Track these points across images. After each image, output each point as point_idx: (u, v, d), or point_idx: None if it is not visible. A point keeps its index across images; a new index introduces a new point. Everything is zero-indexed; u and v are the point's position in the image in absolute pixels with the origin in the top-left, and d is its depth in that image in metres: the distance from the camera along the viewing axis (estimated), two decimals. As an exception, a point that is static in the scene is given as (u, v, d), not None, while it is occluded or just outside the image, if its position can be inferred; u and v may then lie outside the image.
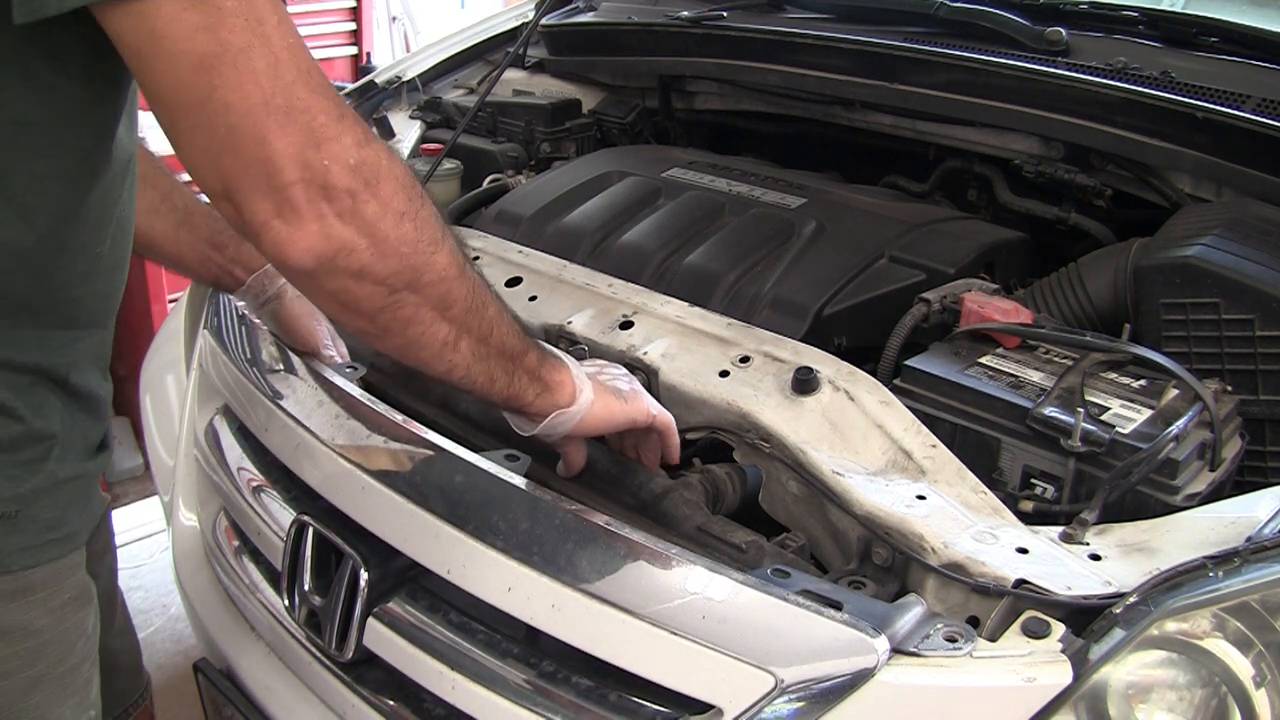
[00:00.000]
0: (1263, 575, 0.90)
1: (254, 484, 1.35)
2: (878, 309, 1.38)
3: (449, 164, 1.88)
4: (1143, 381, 1.21)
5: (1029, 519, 1.05)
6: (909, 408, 1.18)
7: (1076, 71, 1.56)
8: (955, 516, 1.03)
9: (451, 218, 1.76)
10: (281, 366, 1.36)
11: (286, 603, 1.21)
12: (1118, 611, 0.88)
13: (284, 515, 1.26)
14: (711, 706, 0.92)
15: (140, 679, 1.43)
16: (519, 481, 1.08)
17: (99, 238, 0.96)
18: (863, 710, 0.87)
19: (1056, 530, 1.01)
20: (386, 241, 0.79)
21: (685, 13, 1.99)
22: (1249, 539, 0.94)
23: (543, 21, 2.16)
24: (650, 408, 1.14)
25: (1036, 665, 0.86)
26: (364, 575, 1.13)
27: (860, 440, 1.14)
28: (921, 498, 1.05)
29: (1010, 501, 1.09)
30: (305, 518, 1.20)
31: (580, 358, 1.32)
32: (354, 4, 4.26)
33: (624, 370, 1.18)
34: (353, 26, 4.30)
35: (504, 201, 1.71)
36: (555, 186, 1.70)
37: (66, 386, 0.98)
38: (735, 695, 0.91)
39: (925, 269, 1.43)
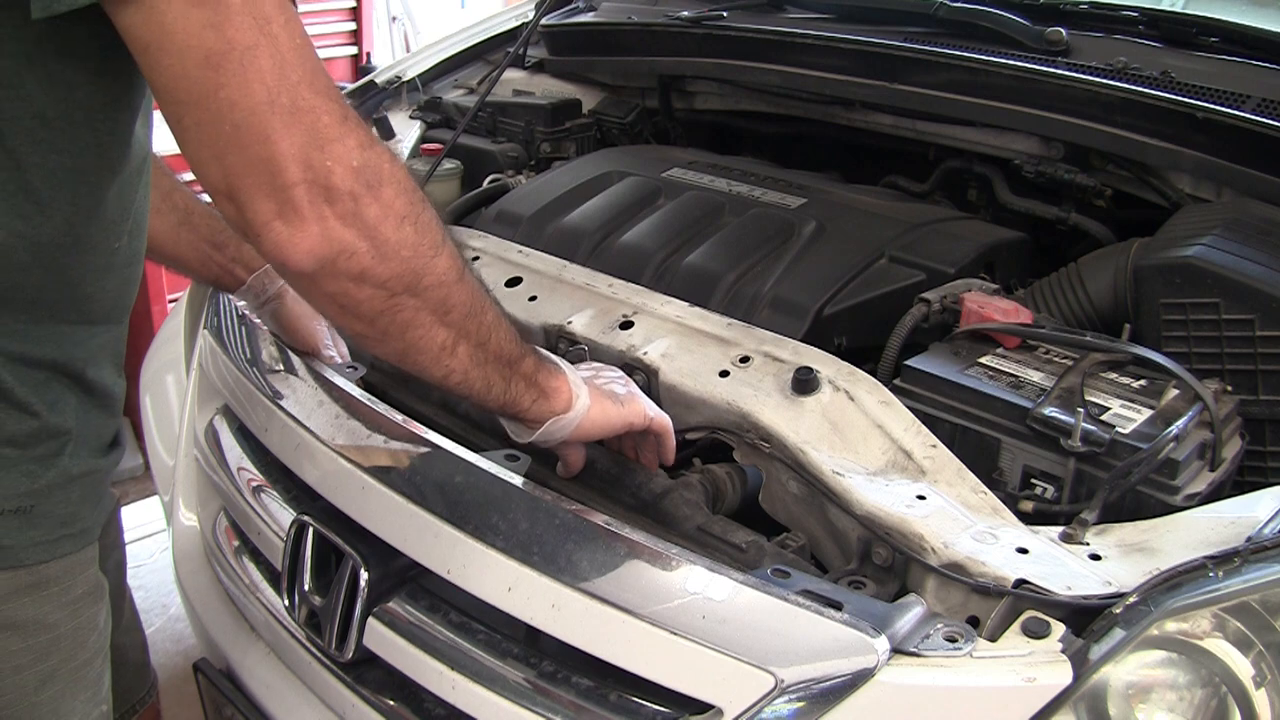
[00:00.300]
0: (1263, 575, 0.90)
1: (254, 484, 1.35)
2: (878, 309, 1.38)
3: (449, 164, 1.88)
4: (1143, 381, 1.21)
5: (1029, 519, 1.05)
6: (909, 408, 1.18)
7: (1076, 71, 1.56)
8: (955, 516, 1.03)
9: (451, 218, 1.76)
10: (281, 366, 1.36)
11: (286, 603, 1.21)
12: (1118, 611, 0.88)
13: (284, 515, 1.27)
14: (711, 706, 0.92)
15: (147, 676, 1.43)
16: (519, 481, 1.08)
17: (116, 234, 0.96)
18: (863, 710, 0.87)
19: (1056, 530, 1.01)
20: (388, 245, 0.79)
21: (685, 13, 1.99)
22: (1249, 539, 0.94)
23: (543, 21, 2.16)
24: (647, 409, 1.14)
25: (1036, 665, 0.86)
26: (364, 575, 1.13)
27: (860, 440, 1.14)
28: (921, 498, 1.05)
29: (1010, 501, 1.09)
30: (305, 518, 1.20)
31: (579, 358, 1.32)
32: (354, 4, 4.27)
33: (620, 373, 1.18)
34: (353, 26, 4.30)
35: (504, 201, 1.71)
36: (555, 186, 1.70)
37: (83, 382, 0.99)
38: (735, 695, 0.91)
39: (925, 269, 1.43)
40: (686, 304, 1.38)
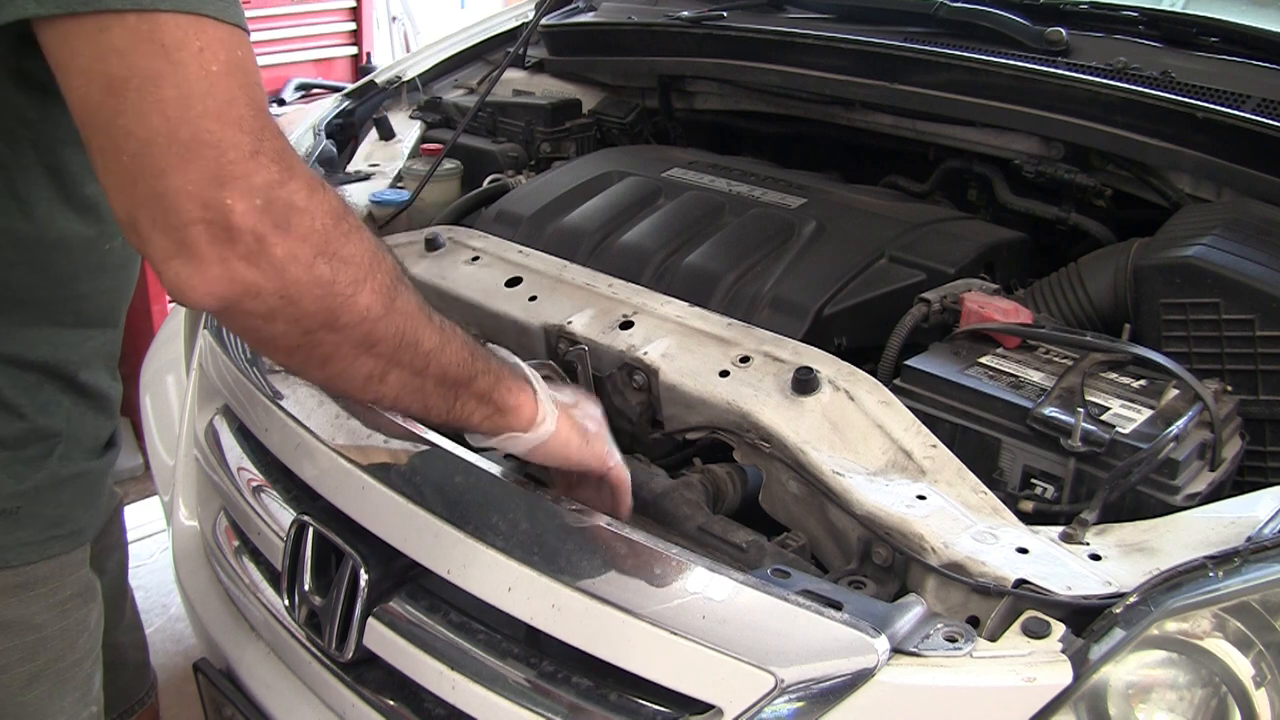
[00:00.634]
0: (1263, 575, 0.90)
1: (254, 484, 1.35)
2: (878, 309, 1.38)
3: (449, 164, 1.88)
4: (1143, 381, 1.21)
5: (1029, 519, 1.05)
6: (909, 408, 1.18)
7: (1076, 71, 1.56)
8: (955, 516, 1.03)
9: (451, 218, 1.76)
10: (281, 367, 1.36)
11: (286, 603, 1.21)
12: (1118, 611, 0.88)
13: (284, 515, 1.27)
14: (711, 706, 0.92)
15: (147, 676, 1.44)
16: (518, 481, 1.08)
17: (107, 233, 0.96)
18: (863, 710, 0.87)
19: (1056, 530, 1.01)
20: (297, 285, 0.74)
21: (685, 13, 1.99)
22: (1249, 539, 0.94)
23: (543, 21, 2.16)
24: (609, 457, 1.08)
25: (1036, 665, 0.86)
26: (364, 575, 1.13)
27: (860, 440, 1.14)
28: (921, 498, 1.05)
29: (1010, 501, 1.09)
30: (305, 518, 1.20)
31: (579, 359, 1.32)
32: (354, 4, 4.26)
33: (599, 413, 1.11)
34: (353, 26, 4.30)
35: (504, 201, 1.71)
36: (555, 186, 1.70)
37: (76, 385, 0.99)
38: (735, 695, 0.91)
39: (925, 269, 1.43)
40: (686, 304, 1.38)
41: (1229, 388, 1.22)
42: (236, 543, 1.40)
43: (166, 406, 1.82)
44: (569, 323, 1.36)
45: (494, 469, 1.10)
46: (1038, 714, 0.85)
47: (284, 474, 1.30)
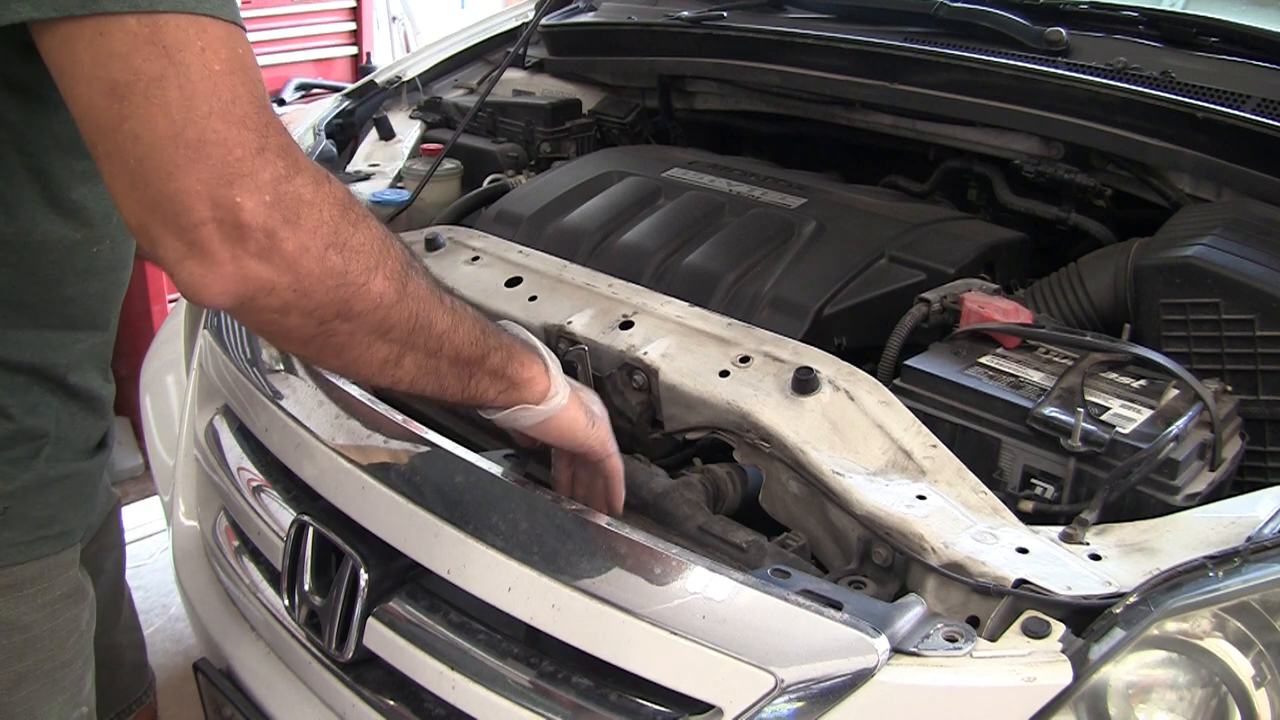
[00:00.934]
0: (1263, 575, 0.90)
1: (254, 484, 1.35)
2: (878, 309, 1.38)
3: (449, 164, 1.88)
4: (1143, 381, 1.21)
5: (1029, 519, 1.05)
6: (909, 408, 1.18)
7: (1076, 71, 1.56)
8: (955, 516, 1.03)
9: (451, 218, 1.76)
10: (281, 366, 1.36)
11: (286, 603, 1.21)
12: (1118, 611, 0.88)
13: (284, 515, 1.27)
14: (711, 706, 0.92)
15: (144, 676, 1.43)
16: (519, 482, 1.08)
17: (95, 236, 0.96)
18: (863, 710, 0.87)
19: (1056, 530, 1.01)
20: (310, 277, 0.75)
21: (685, 13, 1.99)
22: (1249, 539, 0.94)
23: (543, 21, 2.16)
24: (609, 444, 1.09)
25: (1036, 665, 0.86)
26: (364, 575, 1.13)
27: (860, 440, 1.14)
28: (921, 498, 1.05)
29: (1010, 501, 1.09)
30: (305, 518, 1.20)
31: (579, 359, 1.32)
32: (354, 4, 4.26)
33: (598, 399, 1.13)
34: (353, 26, 4.30)
35: (504, 201, 1.71)
36: (555, 186, 1.70)
37: (65, 387, 0.99)
38: (735, 695, 0.91)
39: (925, 269, 1.43)
40: (686, 304, 1.38)
41: (1229, 388, 1.22)
42: (236, 543, 1.40)
43: (166, 406, 1.82)
44: (569, 323, 1.36)
45: (494, 469, 1.10)
46: (1038, 714, 0.85)
47: (284, 474, 1.30)
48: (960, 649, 0.88)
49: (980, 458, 1.16)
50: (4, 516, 0.95)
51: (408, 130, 2.03)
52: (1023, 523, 1.03)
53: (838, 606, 0.91)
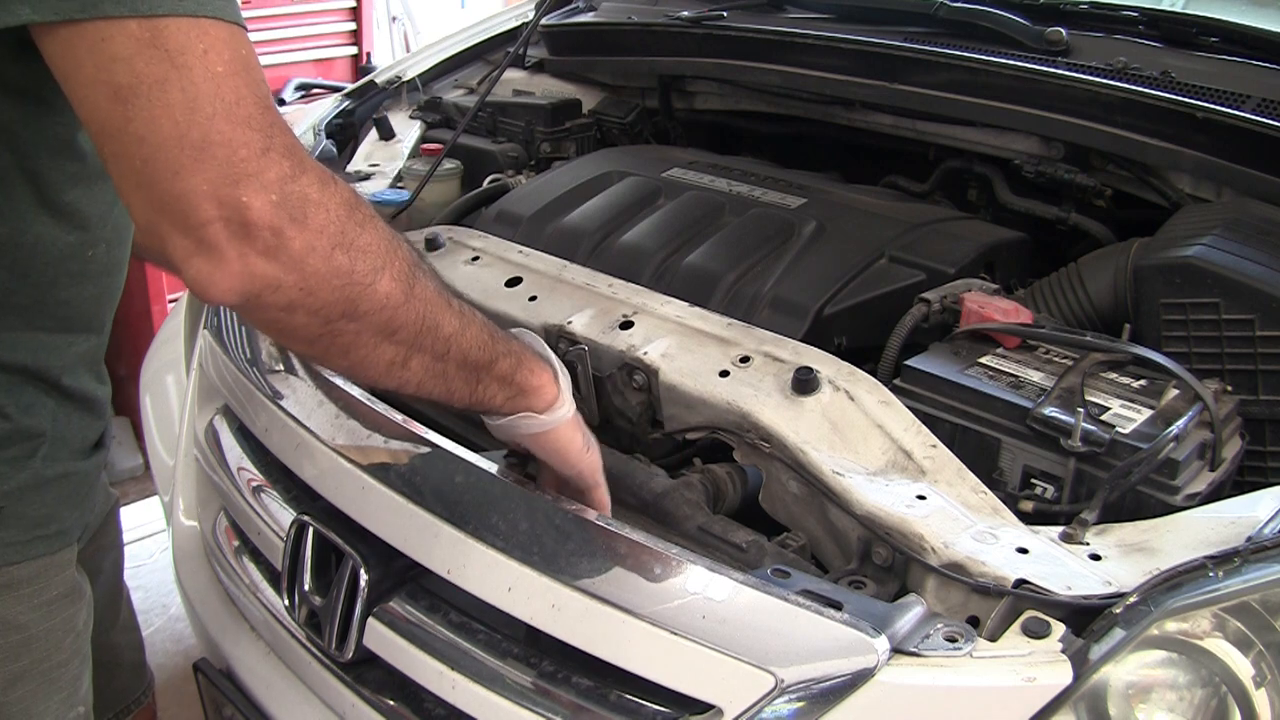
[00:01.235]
0: (1263, 575, 0.90)
1: (254, 484, 1.35)
2: (878, 309, 1.38)
3: (449, 164, 1.88)
4: (1143, 381, 1.21)
5: (1029, 519, 1.05)
6: (909, 408, 1.18)
7: (1076, 71, 1.56)
8: (955, 516, 1.03)
9: (451, 218, 1.76)
10: (281, 366, 1.36)
11: (286, 603, 1.21)
12: (1118, 611, 0.88)
13: (284, 515, 1.26)
14: (711, 706, 0.92)
15: (143, 676, 1.43)
16: (518, 481, 1.08)
17: (90, 240, 0.96)
18: (863, 710, 0.87)
19: (1056, 530, 1.01)
20: (316, 276, 0.75)
21: (685, 13, 1.99)
22: (1249, 539, 0.94)
23: (543, 21, 2.16)
24: (599, 474, 1.08)
25: (1036, 665, 0.86)
26: (364, 575, 1.13)
27: (860, 440, 1.14)
28: (921, 498, 1.05)
29: (1010, 501, 1.09)
30: (305, 518, 1.20)
31: (579, 359, 1.32)
32: (354, 4, 4.26)
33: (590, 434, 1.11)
34: (353, 26, 4.30)
35: (504, 201, 1.71)
36: (555, 186, 1.70)
37: (59, 388, 0.99)
38: (735, 695, 0.91)
39: (925, 269, 1.43)
40: (686, 304, 1.38)
41: (1229, 388, 1.22)
42: (236, 543, 1.40)
43: (166, 406, 1.82)
44: (569, 323, 1.36)
45: (494, 469, 1.10)
46: (1038, 714, 0.85)
47: (284, 474, 1.30)
48: (960, 649, 0.88)
49: (980, 458, 1.16)
50: (0, 516, 0.95)
51: (408, 130, 2.03)
52: (1023, 523, 1.03)
53: (838, 606, 0.91)
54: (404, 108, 2.14)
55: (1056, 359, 1.25)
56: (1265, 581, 0.90)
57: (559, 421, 1.01)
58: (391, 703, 1.13)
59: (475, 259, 1.54)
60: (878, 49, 1.74)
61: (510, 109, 2.03)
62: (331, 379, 1.28)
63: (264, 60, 0.78)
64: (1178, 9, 1.89)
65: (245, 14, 0.77)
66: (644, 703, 0.97)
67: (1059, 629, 0.88)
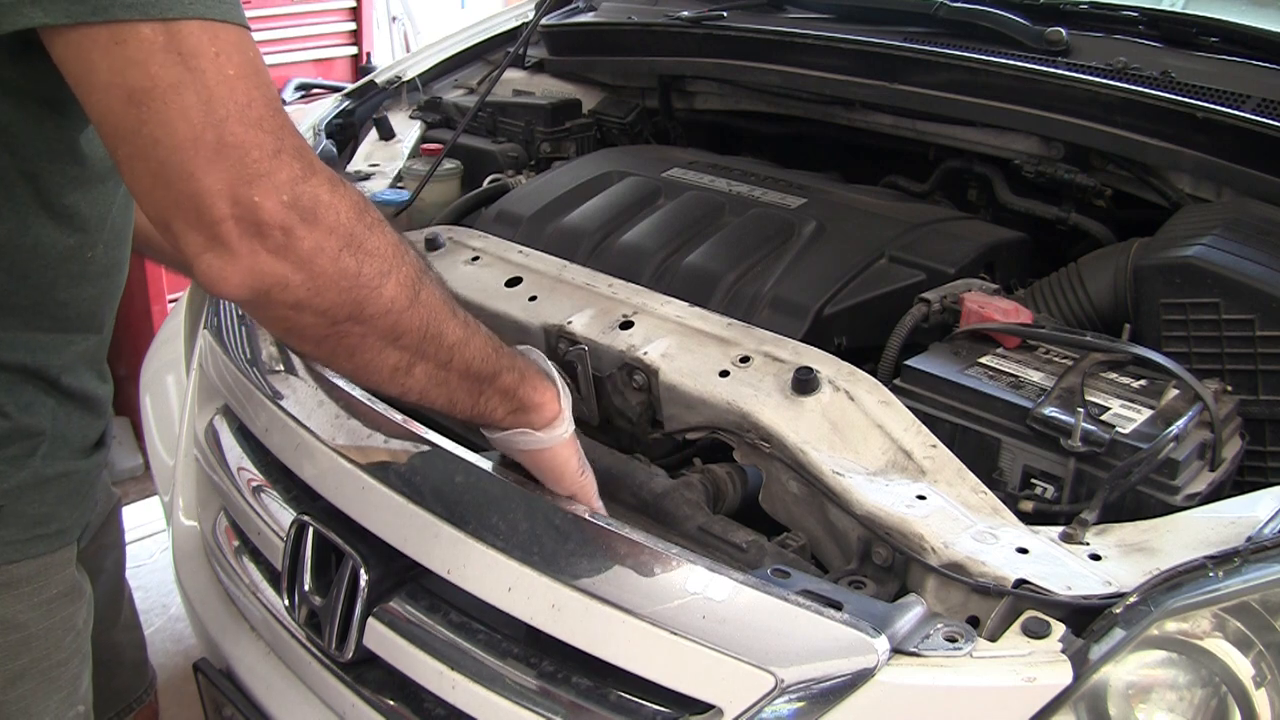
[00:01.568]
0: (1263, 575, 0.90)
1: (254, 484, 1.35)
2: (878, 309, 1.38)
3: (449, 164, 1.87)
4: (1143, 381, 1.21)
5: (1029, 519, 1.05)
6: (909, 408, 1.18)
7: (1076, 71, 1.56)
8: (955, 516, 1.03)
9: (451, 218, 1.76)
10: (281, 366, 1.36)
11: (286, 603, 1.21)
12: (1118, 611, 0.88)
13: (284, 515, 1.27)
14: (711, 706, 0.92)
15: (145, 675, 1.44)
16: (518, 481, 1.08)
17: (88, 242, 0.96)
18: (863, 710, 0.87)
19: (1056, 530, 1.01)
20: (324, 276, 0.77)
21: (685, 13, 1.99)
22: (1249, 539, 0.94)
23: (543, 21, 2.16)
24: (594, 499, 1.08)
25: (1036, 665, 0.86)
26: (364, 575, 1.13)
27: (860, 440, 1.14)
28: (921, 498, 1.05)
29: (1010, 501, 1.09)
30: (305, 518, 1.20)
31: (579, 359, 1.32)
32: (354, 4, 4.26)
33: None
34: (353, 26, 4.29)
35: (504, 201, 1.71)
36: (555, 186, 1.70)
37: (59, 387, 0.99)
38: (735, 695, 0.91)
39: (925, 269, 1.43)
40: (686, 304, 1.38)
41: (1229, 388, 1.22)
42: (236, 543, 1.40)
43: (166, 406, 1.82)
44: (569, 323, 1.36)
45: (494, 469, 1.10)
46: (1038, 714, 0.85)
47: (284, 474, 1.30)
48: (960, 649, 0.88)
49: (980, 458, 1.16)
50: (0, 514, 0.95)
51: (408, 130, 2.03)
52: (1023, 523, 1.03)
53: (838, 606, 0.91)
54: (404, 108, 2.14)
55: (1056, 359, 1.25)
56: (1265, 581, 0.90)
57: (557, 440, 1.02)
58: (391, 703, 1.13)
59: (475, 259, 1.54)
60: (878, 49, 1.74)
61: (510, 109, 2.03)
62: (331, 379, 1.28)
63: (264, 60, 0.78)
64: (1178, 9, 1.89)
65: (245, 14, 0.77)
66: (644, 703, 0.97)
67: (1059, 629, 0.88)
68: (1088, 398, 1.16)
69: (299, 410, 1.27)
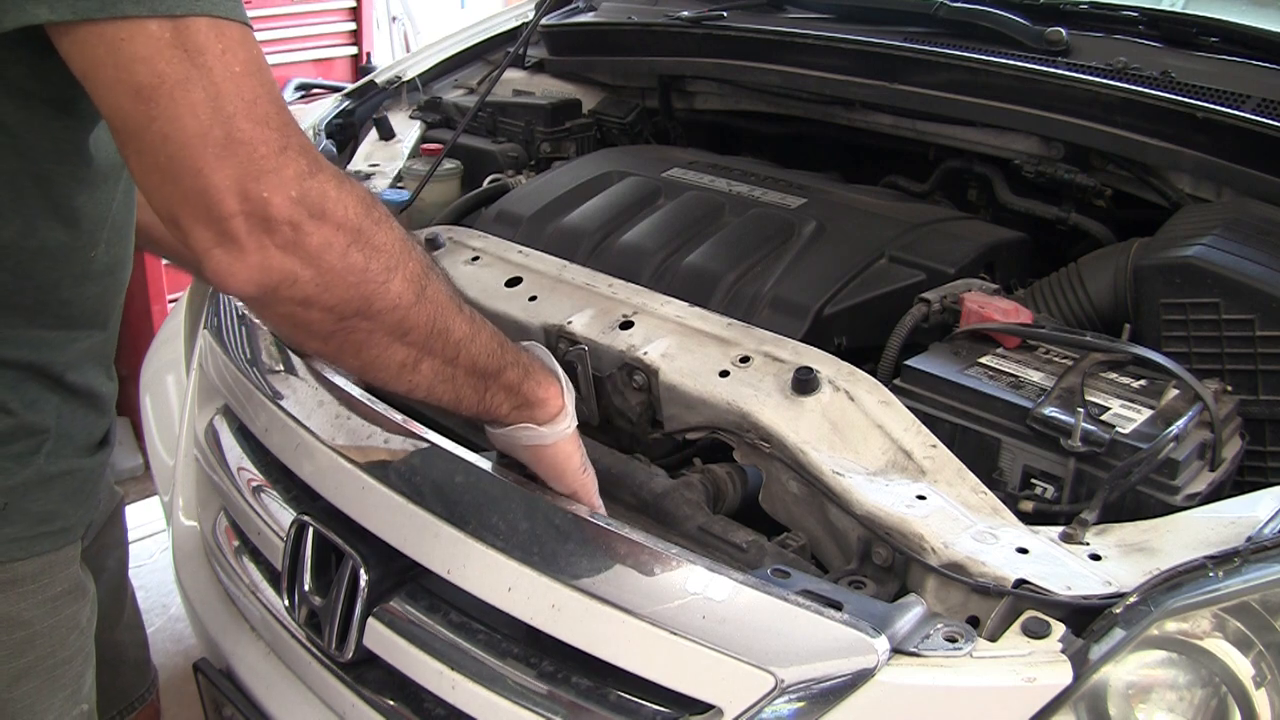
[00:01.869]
0: (1263, 575, 0.90)
1: (254, 484, 1.35)
2: (878, 309, 1.38)
3: (449, 164, 1.88)
4: (1143, 381, 1.21)
5: (1029, 519, 1.05)
6: (909, 408, 1.18)
7: (1076, 71, 1.56)
8: (955, 516, 1.03)
9: (451, 218, 1.76)
10: (281, 366, 1.36)
11: (286, 603, 1.21)
12: (1118, 611, 0.88)
13: (284, 515, 1.26)
14: (711, 706, 0.92)
15: (147, 673, 1.44)
16: (518, 481, 1.08)
17: (90, 241, 0.96)
18: (863, 710, 0.87)
19: (1056, 530, 1.01)
20: (332, 272, 0.77)
21: (685, 13, 1.99)
22: (1249, 539, 0.94)
23: (543, 21, 2.16)
24: (595, 498, 1.09)
25: (1036, 665, 0.86)
26: (364, 575, 1.13)
27: (860, 440, 1.14)
28: (921, 498, 1.05)
29: (1010, 501, 1.09)
30: (305, 518, 1.20)
31: (579, 359, 1.32)
32: (354, 4, 4.26)
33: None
34: (353, 26, 4.29)
35: (504, 201, 1.71)
36: (555, 186, 1.70)
37: (63, 384, 0.99)
38: (735, 695, 0.91)
39: (925, 269, 1.43)
40: (686, 304, 1.38)
41: (1229, 388, 1.22)
42: (236, 543, 1.40)
43: (166, 406, 1.82)
44: (569, 323, 1.36)
45: (494, 469, 1.10)
46: (1038, 714, 0.85)
47: (284, 474, 1.30)
48: (960, 649, 0.88)
49: (980, 458, 1.16)
50: (4, 512, 0.95)
51: (408, 130, 2.03)
52: (1023, 523, 1.03)
53: (838, 606, 0.91)
54: (404, 108, 2.14)
55: (1056, 359, 1.25)
56: (1265, 581, 0.90)
57: (559, 436, 1.02)
58: (391, 703, 1.13)
59: (475, 259, 1.54)
60: (878, 49, 1.74)
61: (510, 109, 2.03)
62: (331, 379, 1.28)
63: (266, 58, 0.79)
64: (1178, 9, 1.89)
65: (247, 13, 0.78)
66: (644, 703, 0.97)
67: (1059, 629, 0.88)
68: (1088, 398, 1.16)
69: (299, 410, 1.27)
